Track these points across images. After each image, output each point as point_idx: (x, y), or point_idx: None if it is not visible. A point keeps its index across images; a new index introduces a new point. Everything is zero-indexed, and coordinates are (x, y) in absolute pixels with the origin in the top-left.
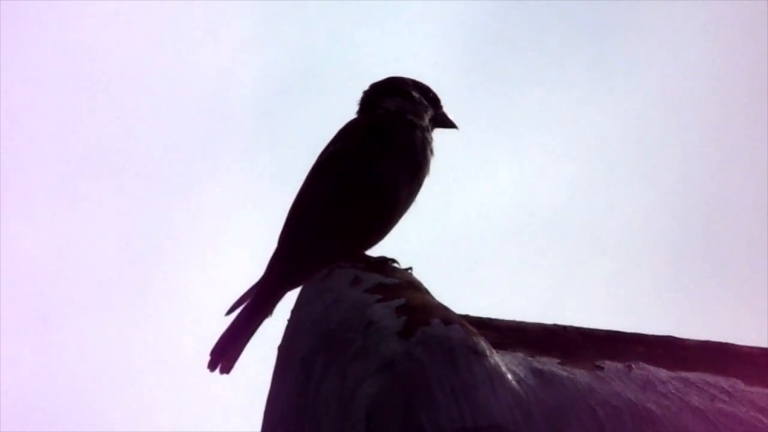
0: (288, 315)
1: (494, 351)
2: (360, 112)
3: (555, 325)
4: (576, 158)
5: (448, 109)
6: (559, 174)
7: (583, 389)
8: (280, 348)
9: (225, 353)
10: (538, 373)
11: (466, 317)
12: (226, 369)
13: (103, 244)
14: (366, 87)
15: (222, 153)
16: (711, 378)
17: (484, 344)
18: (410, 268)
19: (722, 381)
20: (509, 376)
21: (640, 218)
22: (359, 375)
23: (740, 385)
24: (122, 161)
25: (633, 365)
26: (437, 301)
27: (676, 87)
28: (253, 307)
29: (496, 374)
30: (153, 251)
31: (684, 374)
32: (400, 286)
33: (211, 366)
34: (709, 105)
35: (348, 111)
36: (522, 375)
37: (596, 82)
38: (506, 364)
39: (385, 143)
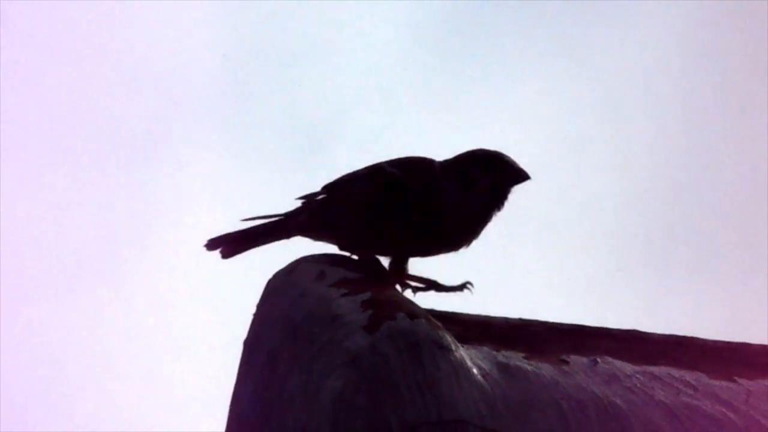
0: (254, 309)
1: (459, 345)
2: (441, 172)
3: (520, 320)
4: (542, 148)
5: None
6: (524, 162)
7: (549, 383)
8: (246, 342)
9: (230, 242)
10: (503, 367)
11: (432, 311)
12: (227, 254)
13: (66, 227)
14: (464, 152)
15: (188, 130)
16: (676, 372)
17: (449, 338)
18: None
19: (687, 375)
20: (474, 370)
21: (607, 210)
22: (325, 369)
23: (704, 378)
24: (84, 140)
25: (598, 359)
26: (402, 295)
27: (646, 63)
28: (276, 223)
29: (461, 368)
30: (115, 233)
31: (649, 368)
32: (365, 281)
33: (210, 246)
34: (677, 86)
35: (312, 88)
36: (487, 369)
37: (563, 61)
38: (471, 358)
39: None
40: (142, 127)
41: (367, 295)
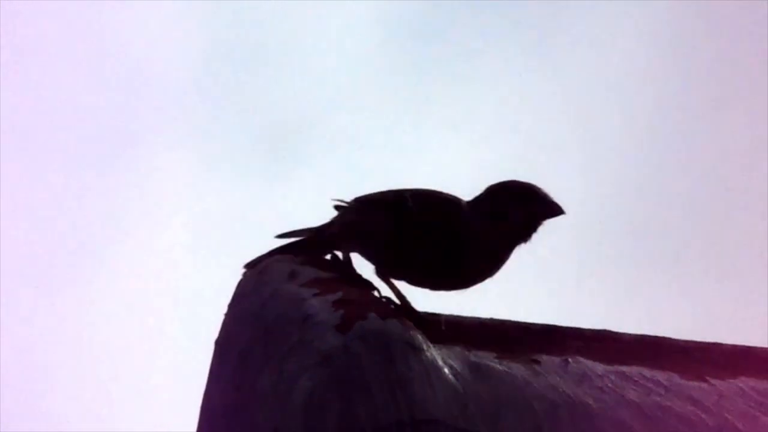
0: (225, 309)
1: (431, 345)
2: (477, 203)
3: (492, 319)
4: (512, 148)
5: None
6: (494, 162)
7: (520, 383)
8: (217, 342)
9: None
10: (475, 367)
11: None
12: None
13: (37, 227)
14: (499, 183)
15: (158, 130)
16: (647, 372)
17: (420, 338)
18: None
19: (658, 375)
20: (446, 370)
21: (578, 210)
22: (297, 369)
23: (676, 378)
24: (51, 140)
25: (570, 359)
26: (374, 295)
27: (619, 63)
28: (314, 238)
29: (432, 368)
30: (85, 233)
31: (620, 368)
32: (337, 280)
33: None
34: (650, 86)
35: (283, 89)
36: (459, 369)
37: (534, 61)
38: (443, 358)
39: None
40: (111, 127)
41: (338, 295)
